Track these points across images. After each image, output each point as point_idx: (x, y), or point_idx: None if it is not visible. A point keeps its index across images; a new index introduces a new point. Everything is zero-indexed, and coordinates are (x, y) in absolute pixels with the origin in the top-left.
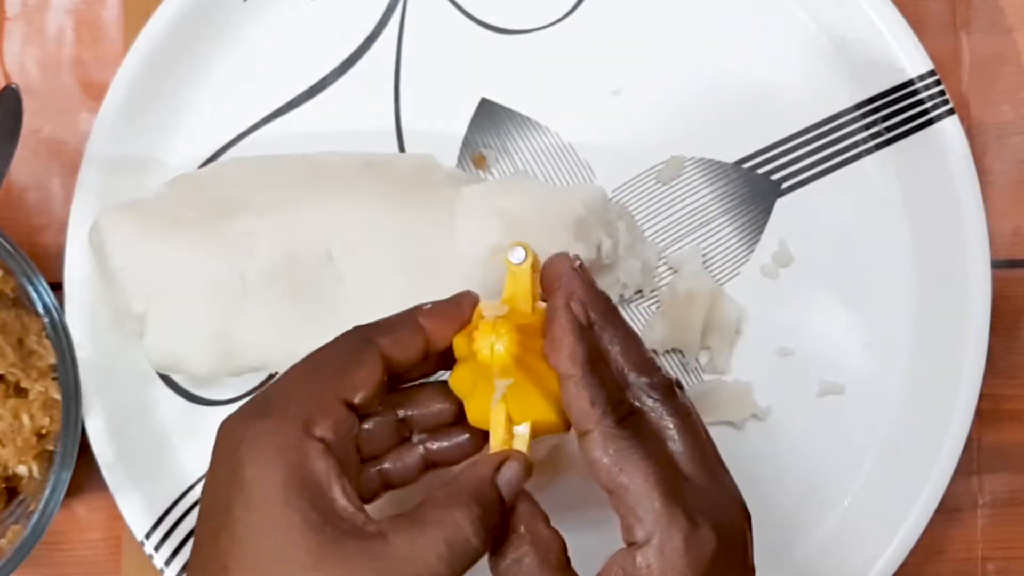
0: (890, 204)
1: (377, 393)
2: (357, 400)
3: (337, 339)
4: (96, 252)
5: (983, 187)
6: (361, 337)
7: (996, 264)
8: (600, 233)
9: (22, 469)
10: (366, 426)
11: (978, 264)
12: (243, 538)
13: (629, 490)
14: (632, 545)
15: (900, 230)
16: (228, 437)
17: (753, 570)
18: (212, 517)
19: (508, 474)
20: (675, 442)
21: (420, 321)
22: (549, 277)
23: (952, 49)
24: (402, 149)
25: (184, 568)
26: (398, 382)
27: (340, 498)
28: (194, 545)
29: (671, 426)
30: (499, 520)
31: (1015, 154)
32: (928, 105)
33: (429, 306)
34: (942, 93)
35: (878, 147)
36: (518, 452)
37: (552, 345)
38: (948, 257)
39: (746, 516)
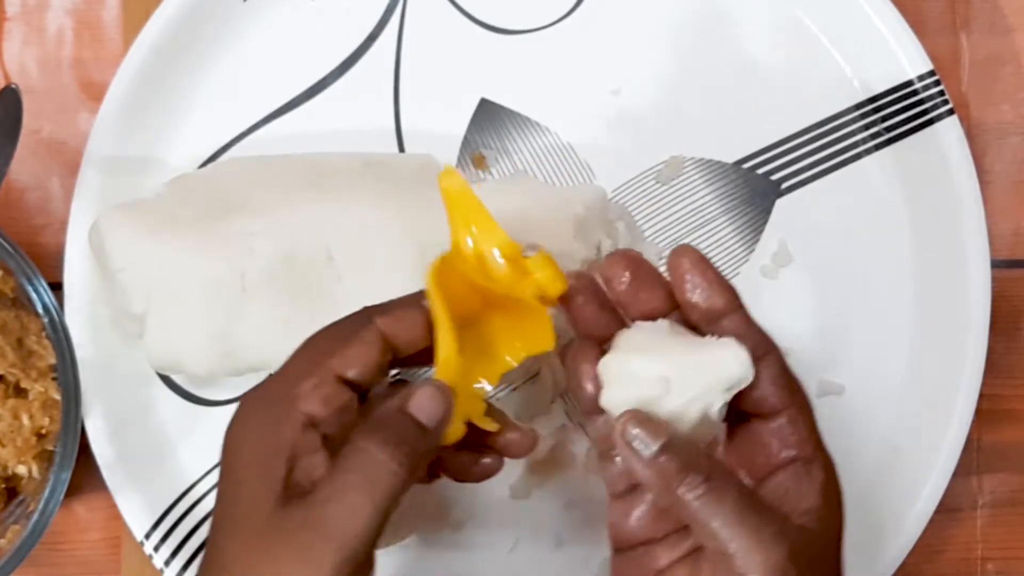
0: (890, 204)
1: (376, 371)
2: (351, 375)
3: (340, 319)
4: (96, 252)
5: (983, 187)
6: (362, 316)
7: (996, 264)
8: (600, 233)
9: (22, 469)
10: None
11: (978, 264)
12: (224, 502)
13: (794, 413)
14: (795, 460)
15: (900, 230)
16: (234, 415)
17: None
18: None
19: (420, 398)
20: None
21: (423, 303)
22: None
23: (952, 49)
24: (402, 149)
25: (185, 567)
26: (406, 365)
27: (299, 468)
28: None
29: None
30: (426, 444)
31: (1015, 154)
32: (928, 105)
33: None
34: (942, 93)
35: (878, 147)
36: (427, 380)
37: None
38: (948, 257)
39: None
